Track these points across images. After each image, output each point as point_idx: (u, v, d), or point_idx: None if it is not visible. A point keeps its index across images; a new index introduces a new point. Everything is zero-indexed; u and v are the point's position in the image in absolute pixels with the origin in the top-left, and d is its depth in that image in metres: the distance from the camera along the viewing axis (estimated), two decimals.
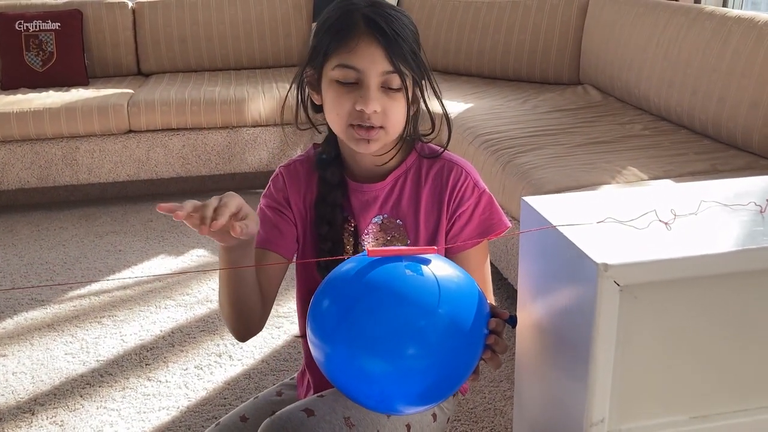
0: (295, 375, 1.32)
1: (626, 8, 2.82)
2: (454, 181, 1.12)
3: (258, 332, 1.12)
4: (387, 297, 0.80)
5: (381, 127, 1.04)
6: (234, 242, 0.94)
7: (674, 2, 2.70)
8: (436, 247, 0.85)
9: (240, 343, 2.07)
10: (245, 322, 1.08)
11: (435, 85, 1.10)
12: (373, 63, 1.01)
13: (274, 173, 1.18)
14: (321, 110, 1.10)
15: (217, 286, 2.37)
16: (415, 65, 1.04)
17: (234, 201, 0.89)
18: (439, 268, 0.84)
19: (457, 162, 1.15)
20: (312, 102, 1.12)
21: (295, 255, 1.18)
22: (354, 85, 1.02)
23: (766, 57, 2.08)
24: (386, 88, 1.03)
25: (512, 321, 0.90)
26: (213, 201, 0.88)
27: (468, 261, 1.12)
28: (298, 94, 1.12)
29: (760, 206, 0.83)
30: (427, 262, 0.84)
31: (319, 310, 0.85)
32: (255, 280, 1.06)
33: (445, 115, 1.14)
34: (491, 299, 1.14)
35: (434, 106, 1.13)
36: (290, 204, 1.14)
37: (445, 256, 1.12)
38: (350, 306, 0.81)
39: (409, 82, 1.04)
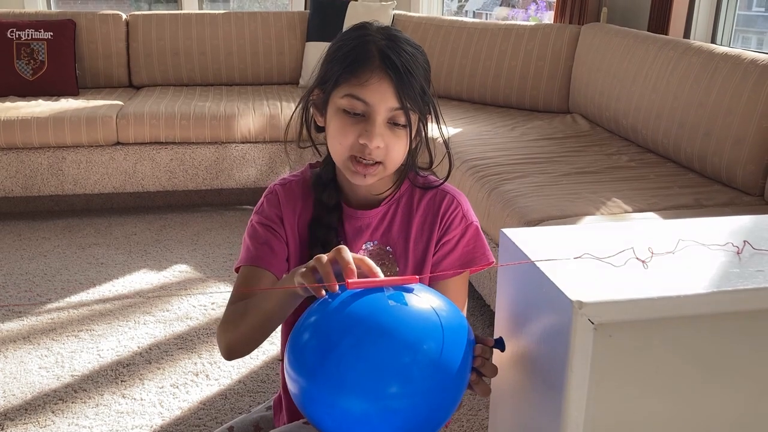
0: (272, 399, 1.30)
1: (617, 39, 2.85)
2: (444, 209, 1.13)
3: (248, 353, 1.08)
4: (371, 333, 0.77)
5: (380, 163, 1.04)
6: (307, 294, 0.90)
7: (664, 36, 2.73)
8: (417, 277, 0.84)
9: (217, 362, 2.05)
10: (254, 340, 1.05)
11: (441, 123, 1.09)
12: (383, 99, 1.01)
13: (269, 189, 1.16)
14: (322, 130, 1.11)
15: (197, 303, 2.36)
16: (422, 103, 1.05)
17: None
18: (422, 299, 0.82)
19: (450, 191, 1.15)
20: (315, 122, 1.13)
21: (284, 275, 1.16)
22: (360, 117, 1.02)
23: (751, 95, 2.10)
24: (392, 123, 1.03)
25: (500, 345, 0.88)
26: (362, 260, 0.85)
27: (446, 290, 1.11)
28: (303, 113, 1.12)
29: (737, 247, 0.83)
30: (410, 291, 0.82)
31: (299, 343, 0.82)
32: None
33: (448, 151, 1.14)
34: None
35: (436, 134, 1.12)
36: (283, 222, 1.13)
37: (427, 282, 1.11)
38: (334, 343, 0.78)
39: (414, 120, 1.04)
